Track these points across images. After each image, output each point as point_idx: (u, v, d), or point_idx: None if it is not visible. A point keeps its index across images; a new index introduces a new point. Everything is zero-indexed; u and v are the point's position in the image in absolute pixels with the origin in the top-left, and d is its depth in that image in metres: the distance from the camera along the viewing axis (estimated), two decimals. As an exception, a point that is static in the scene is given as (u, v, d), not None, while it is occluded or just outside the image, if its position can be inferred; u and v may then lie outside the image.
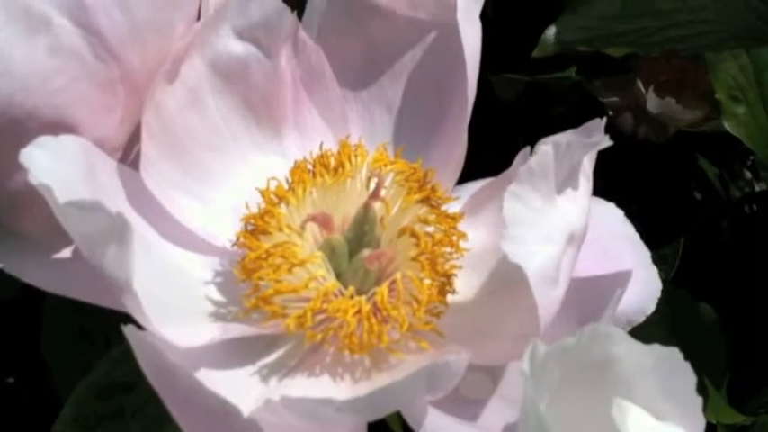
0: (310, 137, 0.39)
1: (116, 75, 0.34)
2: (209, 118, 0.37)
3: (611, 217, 0.39)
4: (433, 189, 0.36)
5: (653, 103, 0.65)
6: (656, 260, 0.40)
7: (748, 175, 0.78)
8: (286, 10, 0.38)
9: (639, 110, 0.66)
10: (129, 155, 0.38)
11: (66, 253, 0.35)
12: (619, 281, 0.33)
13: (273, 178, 0.36)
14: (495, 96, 0.63)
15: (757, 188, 0.77)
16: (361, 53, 0.40)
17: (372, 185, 0.35)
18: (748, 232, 0.73)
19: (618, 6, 0.51)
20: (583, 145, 0.32)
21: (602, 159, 0.65)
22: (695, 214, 0.74)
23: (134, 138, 0.37)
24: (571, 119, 0.68)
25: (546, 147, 0.31)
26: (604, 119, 0.34)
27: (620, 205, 0.39)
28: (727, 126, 0.63)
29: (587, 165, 0.33)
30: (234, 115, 0.38)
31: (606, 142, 0.33)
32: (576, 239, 0.32)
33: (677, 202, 0.73)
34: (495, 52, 0.68)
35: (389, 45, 0.40)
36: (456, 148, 0.38)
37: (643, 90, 0.66)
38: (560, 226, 0.31)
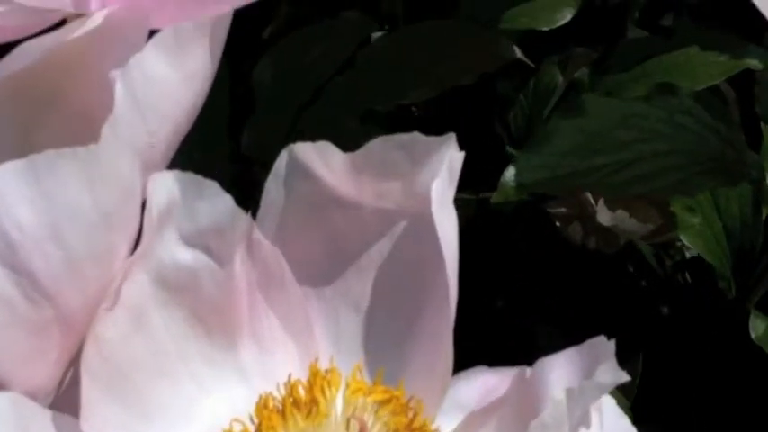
0: (269, 349, 0.35)
1: (50, 315, 0.30)
2: (156, 338, 0.33)
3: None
4: (416, 416, 0.32)
5: (604, 216, 0.62)
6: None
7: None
8: (239, 212, 0.33)
9: (589, 220, 0.63)
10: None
11: None
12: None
13: (237, 420, 0.31)
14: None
15: (688, 255, 0.74)
16: (322, 247, 0.35)
17: (352, 427, 0.31)
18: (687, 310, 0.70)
19: (579, 140, 0.48)
20: (597, 388, 0.29)
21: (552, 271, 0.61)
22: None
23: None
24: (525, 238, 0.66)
25: (558, 397, 0.28)
26: (613, 341, 0.30)
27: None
28: (683, 237, 0.60)
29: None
30: (182, 331, 0.33)
31: (623, 377, 0.29)
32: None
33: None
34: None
35: (354, 238, 0.35)
36: (439, 360, 0.34)
37: (592, 201, 0.63)
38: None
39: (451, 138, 0.34)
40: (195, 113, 0.34)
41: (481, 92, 0.63)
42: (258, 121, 0.54)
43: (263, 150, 0.53)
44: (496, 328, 0.62)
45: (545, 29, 0.60)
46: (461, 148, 0.67)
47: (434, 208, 0.33)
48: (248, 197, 0.55)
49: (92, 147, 0.29)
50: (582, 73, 0.63)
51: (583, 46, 0.67)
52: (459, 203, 0.59)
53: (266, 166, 0.53)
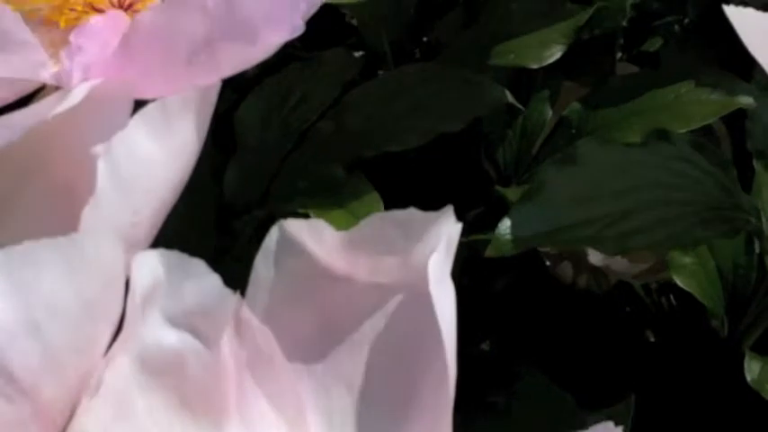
0: (258, 431, 0.33)
1: (28, 412, 0.28)
2: (139, 425, 0.31)
3: None
4: None
5: (595, 255, 0.61)
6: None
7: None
8: (227, 291, 0.32)
9: (579, 259, 0.62)
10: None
11: None
12: None
13: None
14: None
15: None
16: (314, 323, 0.34)
17: None
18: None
19: (576, 189, 0.47)
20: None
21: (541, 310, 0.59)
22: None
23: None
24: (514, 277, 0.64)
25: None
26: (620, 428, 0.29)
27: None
28: (676, 278, 0.59)
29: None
30: (167, 417, 0.32)
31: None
32: None
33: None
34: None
35: (347, 313, 0.34)
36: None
37: (583, 240, 0.62)
38: None
39: (449, 211, 0.33)
40: (182, 186, 0.32)
41: (468, 128, 0.62)
42: (240, 167, 0.52)
43: (246, 197, 0.52)
44: (481, 372, 0.61)
45: (534, 66, 0.59)
46: (447, 186, 0.66)
47: (432, 284, 0.32)
48: (231, 246, 0.53)
49: (73, 236, 0.27)
50: (572, 109, 0.62)
51: (572, 79, 0.66)
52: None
53: (249, 213, 0.52)
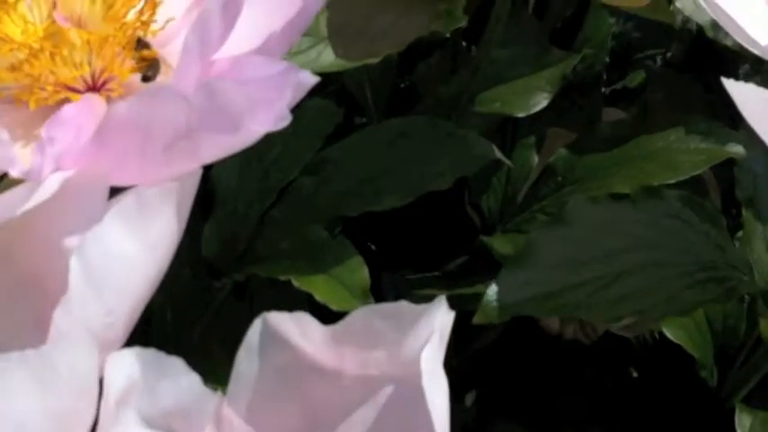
0: None
1: None
2: None
3: None
4: None
5: (583, 307, 0.59)
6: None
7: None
8: (206, 390, 0.30)
9: (566, 310, 0.61)
10: None
11: None
12: None
13: None
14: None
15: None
16: (299, 417, 0.32)
17: None
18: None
19: (564, 251, 0.45)
20: None
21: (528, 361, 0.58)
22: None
23: None
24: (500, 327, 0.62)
25: None
26: None
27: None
28: (666, 331, 0.57)
29: None
30: None
31: None
32: None
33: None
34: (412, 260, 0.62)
35: (334, 406, 0.32)
36: None
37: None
38: None
39: (441, 302, 0.31)
40: (160, 279, 0.31)
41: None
42: (218, 225, 0.50)
43: (225, 257, 0.50)
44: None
45: (520, 115, 0.58)
46: (432, 234, 0.65)
47: (425, 377, 0.30)
48: (209, 305, 0.52)
49: (43, 349, 0.25)
50: (558, 157, 0.60)
51: (557, 124, 0.65)
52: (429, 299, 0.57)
53: (228, 275, 0.50)
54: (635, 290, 0.45)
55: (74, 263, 0.27)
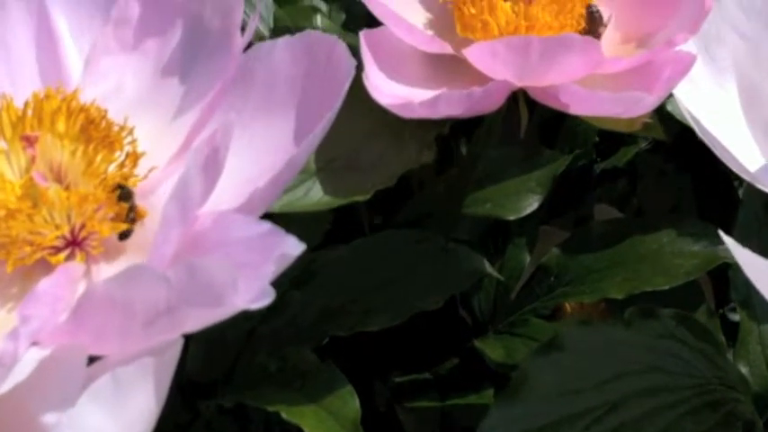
0: None
1: None
2: None
3: None
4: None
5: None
6: None
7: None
8: None
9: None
10: None
11: None
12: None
13: None
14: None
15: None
16: None
17: None
18: None
19: (559, 379, 0.44)
20: None
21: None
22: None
23: None
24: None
25: None
26: None
27: None
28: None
29: None
30: None
31: None
32: None
33: None
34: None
35: None
36: None
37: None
38: None
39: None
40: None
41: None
42: (204, 339, 0.49)
43: (210, 374, 0.49)
44: None
45: (511, 218, 0.57)
46: (423, 333, 0.63)
47: None
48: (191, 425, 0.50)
49: None
50: (551, 257, 0.59)
51: (549, 223, 0.64)
52: (423, 411, 0.56)
53: (213, 396, 0.49)
54: (631, 420, 0.43)
55: (49, 449, 0.26)
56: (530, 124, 0.62)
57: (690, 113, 0.43)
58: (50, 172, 0.33)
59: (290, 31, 0.57)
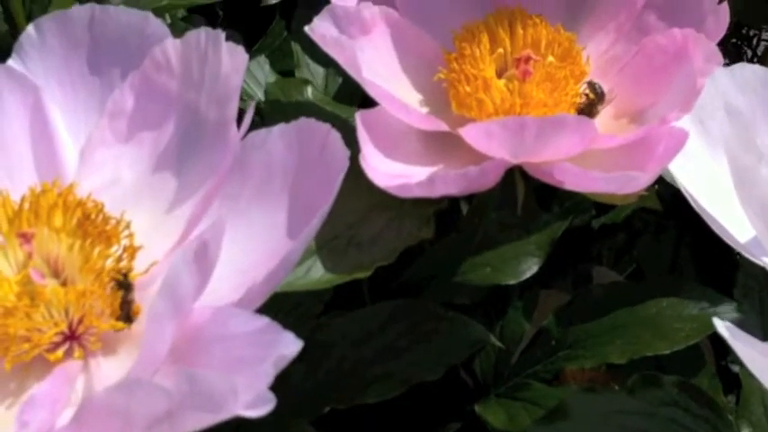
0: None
1: None
2: None
3: None
4: None
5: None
6: None
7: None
8: None
9: None
10: None
11: None
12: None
13: None
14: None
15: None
16: None
17: None
18: None
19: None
20: None
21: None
22: None
23: None
24: None
25: None
26: None
27: None
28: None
29: None
30: None
31: None
32: None
33: None
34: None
35: None
36: None
37: None
38: None
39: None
40: None
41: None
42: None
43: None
44: None
45: (511, 282, 0.57)
46: (423, 397, 0.63)
47: None
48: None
49: None
50: (551, 320, 0.59)
51: (549, 286, 0.64)
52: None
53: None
54: None
55: None
56: (527, 185, 0.63)
57: (684, 188, 0.43)
58: (47, 266, 0.33)
59: (282, 104, 0.58)
